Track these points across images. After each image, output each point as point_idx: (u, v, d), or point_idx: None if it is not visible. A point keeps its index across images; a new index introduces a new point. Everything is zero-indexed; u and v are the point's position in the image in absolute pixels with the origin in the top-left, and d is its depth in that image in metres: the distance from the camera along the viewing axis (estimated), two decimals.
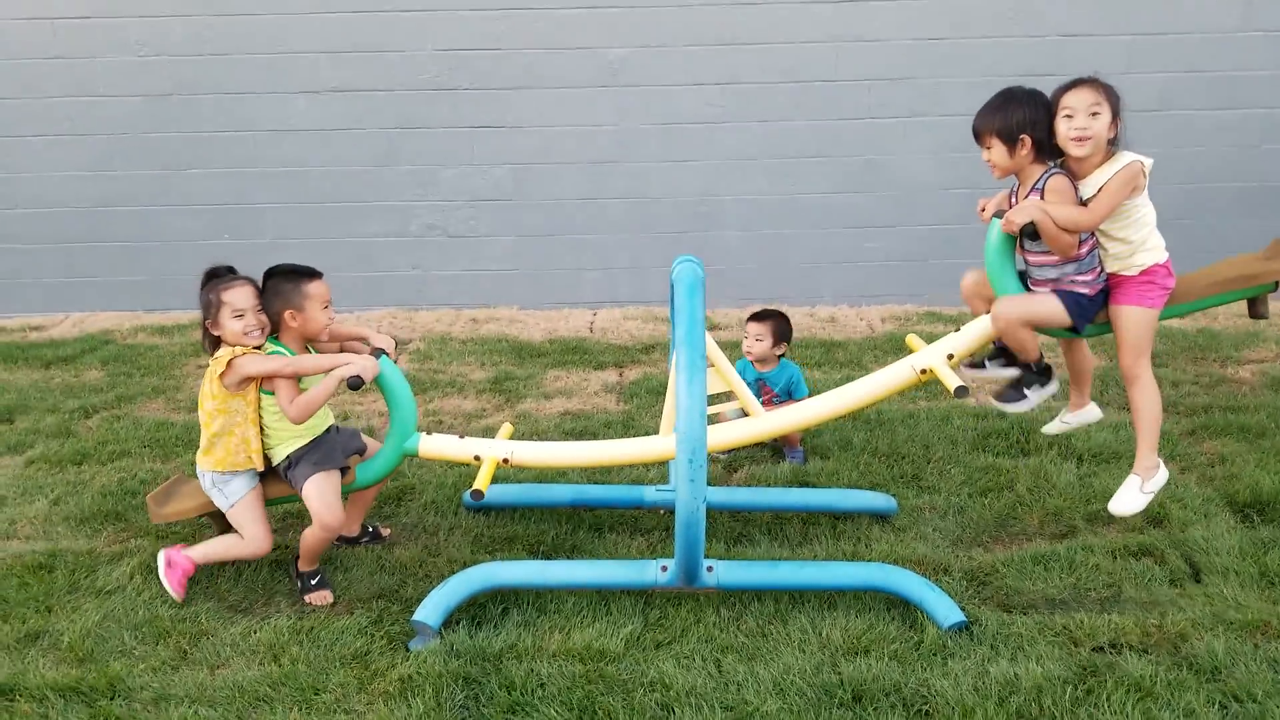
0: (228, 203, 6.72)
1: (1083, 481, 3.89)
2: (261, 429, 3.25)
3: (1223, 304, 3.36)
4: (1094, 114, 3.04)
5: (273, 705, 2.64)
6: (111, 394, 5.24)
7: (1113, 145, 3.12)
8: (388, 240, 6.87)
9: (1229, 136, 6.68)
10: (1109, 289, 3.22)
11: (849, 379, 5.20)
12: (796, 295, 6.87)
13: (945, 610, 2.95)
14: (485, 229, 6.86)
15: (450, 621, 3.01)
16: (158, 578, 3.18)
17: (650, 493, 3.72)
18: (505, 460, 3.33)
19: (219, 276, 3.23)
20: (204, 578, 3.29)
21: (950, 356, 3.25)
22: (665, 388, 3.97)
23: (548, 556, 3.48)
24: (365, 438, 3.51)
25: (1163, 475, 3.24)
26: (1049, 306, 3.18)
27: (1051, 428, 3.67)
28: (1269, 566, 3.21)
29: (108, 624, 3.01)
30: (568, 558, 3.47)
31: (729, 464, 4.28)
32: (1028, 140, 3.11)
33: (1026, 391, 3.29)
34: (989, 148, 3.18)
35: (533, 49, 6.56)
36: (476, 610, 3.10)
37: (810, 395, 4.40)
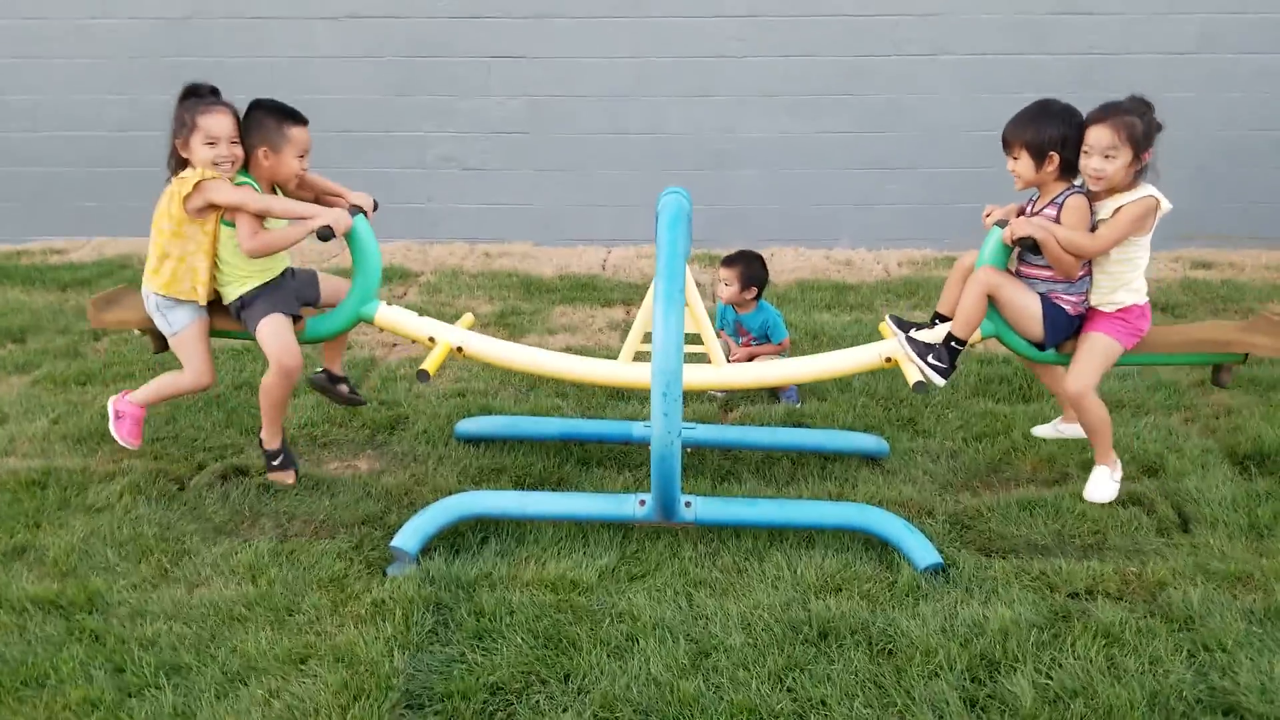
0: None
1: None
2: (216, 263, 3.16)
3: (1189, 364, 3.37)
4: (1108, 157, 3.00)
5: (246, 624, 2.69)
6: None
7: (1139, 175, 3.06)
8: (403, 171, 6.84)
9: (1271, 82, 6.43)
10: (1084, 318, 3.20)
11: (857, 322, 5.19)
12: (814, 237, 6.77)
13: (922, 552, 2.93)
14: (501, 162, 6.81)
15: (429, 549, 3.04)
16: (112, 437, 3.26)
17: (638, 428, 3.71)
18: (459, 349, 3.30)
19: (199, 96, 3.10)
20: (191, 498, 3.35)
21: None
22: None
23: (534, 489, 3.50)
24: (327, 278, 3.46)
25: (1118, 466, 3.29)
26: (1027, 300, 3.15)
27: (1042, 430, 3.64)
28: (1259, 518, 3.15)
29: (93, 540, 3.07)
30: (553, 490, 3.48)
31: (724, 403, 4.25)
32: (1055, 158, 3.08)
33: (929, 359, 3.15)
34: (1016, 158, 3.14)
35: None
36: (456, 539, 3.12)
37: (791, 338, 4.40)
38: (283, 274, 3.29)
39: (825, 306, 5.53)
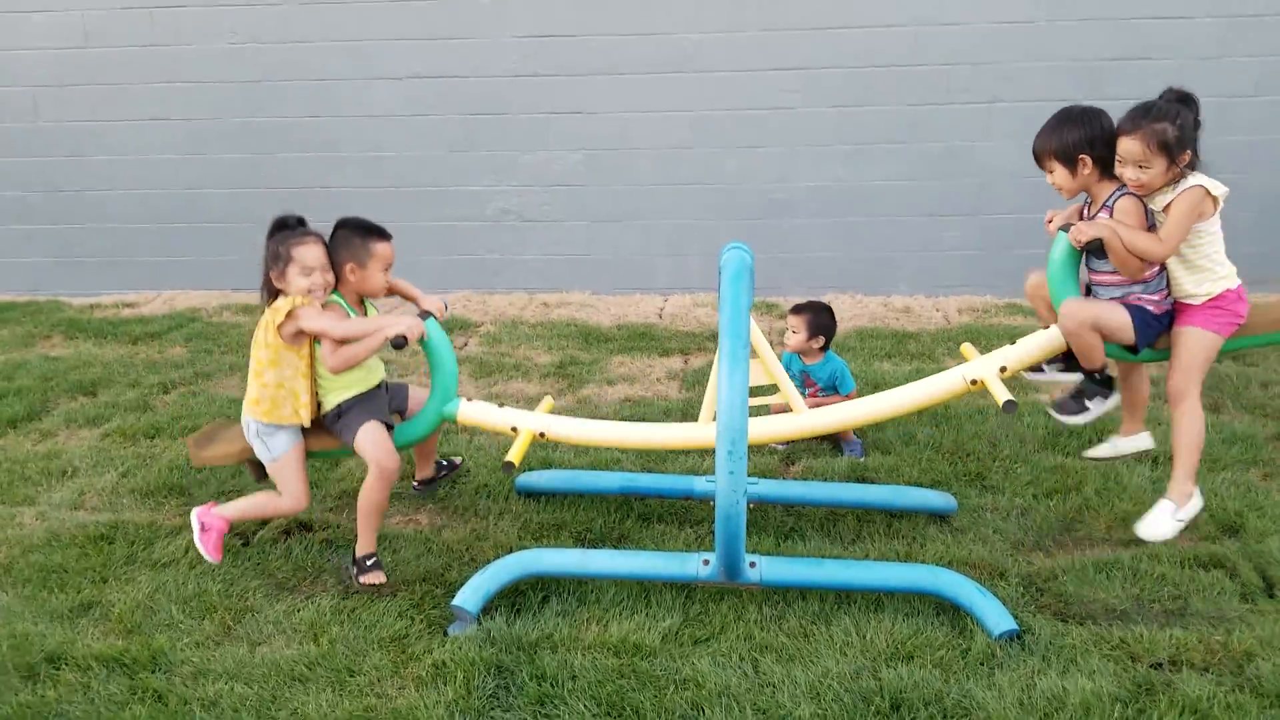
0: (312, 185, 6.85)
1: (1155, 485, 3.68)
2: (314, 378, 3.26)
3: None
4: (1141, 166, 2.94)
5: (307, 685, 2.68)
6: (191, 370, 5.41)
7: (1190, 168, 2.98)
8: (464, 224, 6.93)
9: None
10: (1174, 313, 3.08)
11: (918, 371, 5.10)
12: (871, 285, 6.70)
13: (996, 617, 2.83)
14: (560, 214, 6.87)
15: (490, 607, 3.01)
16: (193, 536, 3.24)
17: (700, 483, 3.67)
18: (541, 434, 3.32)
19: (289, 228, 3.21)
20: (255, 554, 3.36)
21: (1003, 369, 3.14)
22: None
23: (594, 545, 3.46)
24: (414, 389, 3.54)
25: (1198, 502, 3.11)
26: (1117, 316, 3.08)
27: (1098, 451, 3.52)
28: None
29: (158, 597, 3.10)
30: (614, 547, 3.44)
31: (786, 456, 4.19)
32: (1088, 160, 3.03)
33: (1088, 403, 3.14)
34: (1050, 171, 3.10)
35: (610, 34, 6.51)
36: (517, 597, 3.09)
37: (857, 390, 4.33)
38: (378, 385, 3.39)
39: (885, 355, 5.45)
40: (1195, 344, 3.03)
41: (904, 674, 2.64)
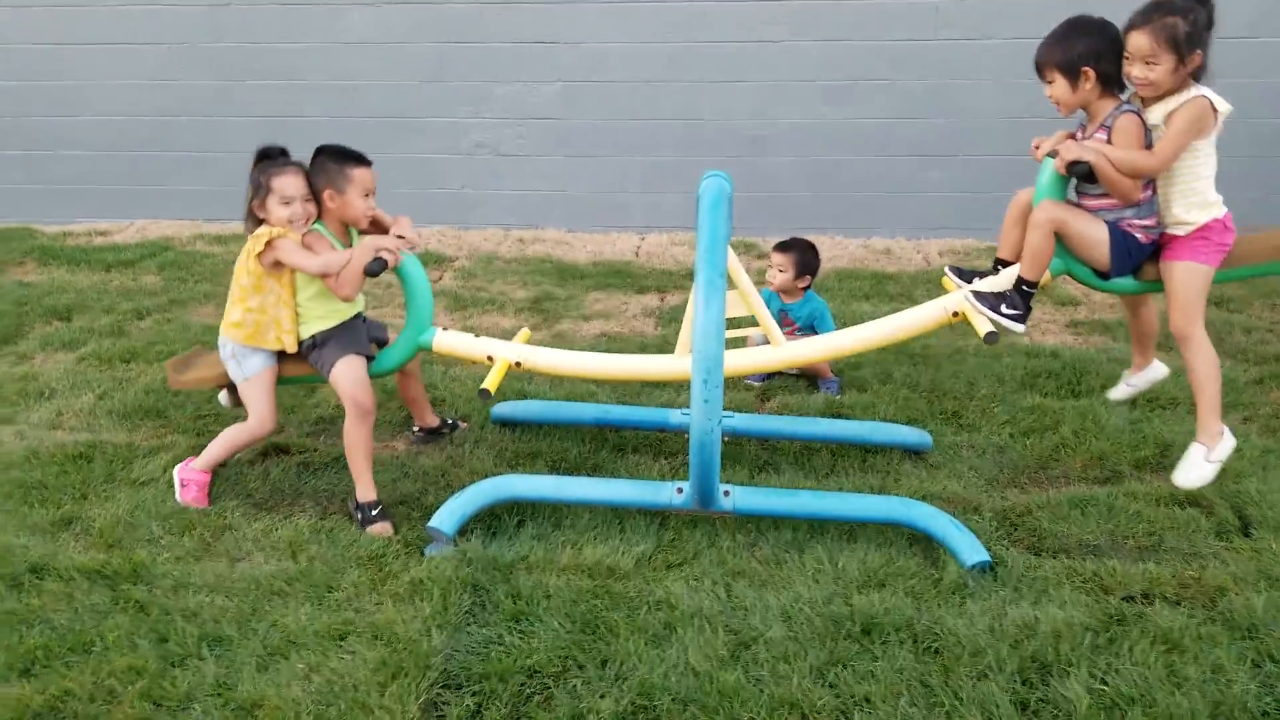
0: (285, 114, 6.73)
1: (1133, 427, 3.72)
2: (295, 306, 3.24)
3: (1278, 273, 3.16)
4: (1149, 64, 2.85)
5: (286, 599, 2.70)
6: (165, 298, 5.35)
7: (1193, 77, 2.89)
8: (438, 158, 6.83)
9: None
10: (1160, 245, 3.04)
11: (897, 311, 5.10)
12: (852, 225, 6.69)
13: (969, 549, 2.86)
14: (535, 148, 6.78)
15: (466, 530, 3.02)
16: (175, 492, 3.24)
17: (675, 415, 3.68)
18: (517, 364, 3.31)
19: (271, 158, 3.20)
20: (233, 474, 3.36)
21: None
22: None
23: (569, 474, 3.48)
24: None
25: (1229, 441, 3.03)
26: (1093, 230, 3.00)
27: (1117, 392, 3.47)
28: None
29: (138, 513, 3.10)
30: (589, 476, 3.45)
31: (762, 393, 4.21)
32: (1091, 74, 2.92)
33: (1003, 308, 3.02)
34: (1051, 81, 2.99)
35: None
36: (493, 521, 3.11)
37: (840, 329, 4.33)
38: (356, 317, 3.36)
39: (864, 296, 5.46)
40: (1188, 278, 2.97)
41: (875, 600, 2.68)
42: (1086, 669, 2.41)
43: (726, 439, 3.66)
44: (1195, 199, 2.98)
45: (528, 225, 6.88)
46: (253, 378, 3.22)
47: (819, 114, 6.55)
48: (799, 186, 6.67)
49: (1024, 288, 3.08)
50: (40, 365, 4.38)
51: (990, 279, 3.16)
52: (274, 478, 3.36)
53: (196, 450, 3.47)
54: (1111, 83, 2.95)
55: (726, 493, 2.98)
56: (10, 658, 2.46)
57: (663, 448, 3.69)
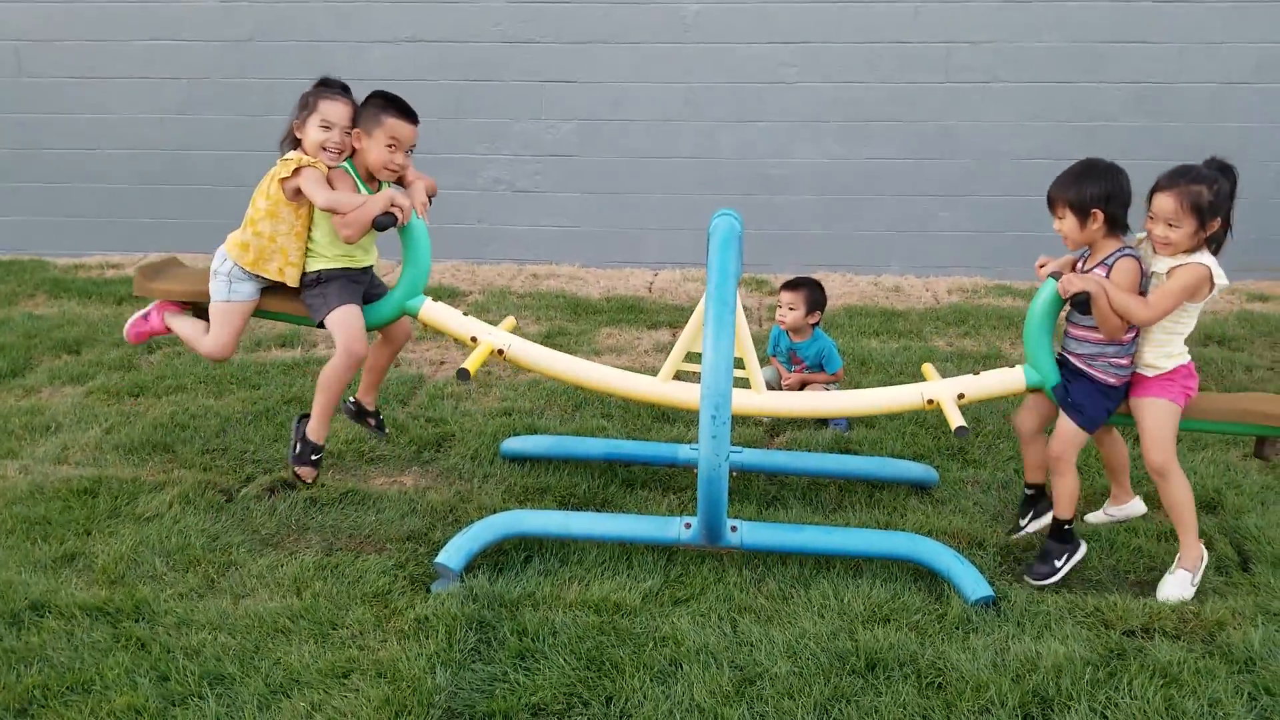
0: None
1: (1136, 464, 3.70)
2: (307, 240, 3.25)
3: (1234, 433, 3.23)
4: (1171, 225, 2.94)
5: (290, 637, 2.69)
6: None
7: (1212, 241, 2.99)
8: (455, 193, 6.89)
9: None
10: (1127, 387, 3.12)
11: (905, 349, 5.13)
12: (863, 263, 6.72)
13: (973, 584, 2.86)
14: (551, 185, 6.85)
15: (473, 567, 3.02)
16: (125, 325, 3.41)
17: (684, 451, 3.69)
18: (500, 351, 3.30)
19: (329, 86, 3.20)
20: (239, 510, 3.37)
21: (961, 395, 3.20)
22: None
23: (578, 509, 3.48)
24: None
25: (1205, 557, 3.07)
26: (1072, 430, 3.10)
27: (1095, 517, 3.51)
28: None
29: (141, 549, 3.10)
30: (597, 511, 3.46)
31: (771, 427, 4.22)
32: (1099, 215, 3.02)
33: (1056, 562, 3.08)
34: (1061, 217, 3.09)
35: (607, 2, 6.48)
36: (500, 557, 3.11)
37: (845, 367, 4.34)
38: (364, 269, 3.35)
39: (873, 333, 5.48)
40: (1160, 414, 3.03)
41: (880, 636, 2.67)
42: (1087, 703, 2.40)
43: (735, 474, 3.67)
44: (1169, 349, 3.06)
45: (542, 260, 6.93)
46: (232, 304, 3.21)
47: (832, 153, 6.60)
48: (812, 224, 6.71)
49: (1064, 527, 3.12)
50: (47, 399, 4.41)
51: (1031, 525, 3.31)
52: (280, 513, 3.37)
53: (199, 485, 3.50)
54: (1117, 225, 3.05)
55: (734, 528, 2.99)
56: (7, 697, 2.43)
57: (671, 483, 3.70)
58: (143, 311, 3.25)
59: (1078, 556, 3.07)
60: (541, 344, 5.18)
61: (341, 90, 3.20)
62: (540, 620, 2.75)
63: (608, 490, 3.61)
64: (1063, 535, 3.09)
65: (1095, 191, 3.01)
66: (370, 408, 3.72)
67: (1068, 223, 3.07)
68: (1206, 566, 3.01)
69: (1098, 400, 3.08)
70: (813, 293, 4.29)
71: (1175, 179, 2.96)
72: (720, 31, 6.47)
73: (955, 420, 3.09)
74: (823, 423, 4.25)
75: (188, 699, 2.45)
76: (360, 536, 3.26)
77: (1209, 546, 3.15)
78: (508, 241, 6.96)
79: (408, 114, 3.21)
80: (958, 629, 2.73)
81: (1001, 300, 6.06)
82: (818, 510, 3.48)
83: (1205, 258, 2.96)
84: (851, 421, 4.22)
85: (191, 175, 6.99)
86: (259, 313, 3.36)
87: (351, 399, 3.73)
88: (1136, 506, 3.41)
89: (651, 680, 2.51)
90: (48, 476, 3.61)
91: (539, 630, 2.70)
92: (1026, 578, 3.06)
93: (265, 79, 6.79)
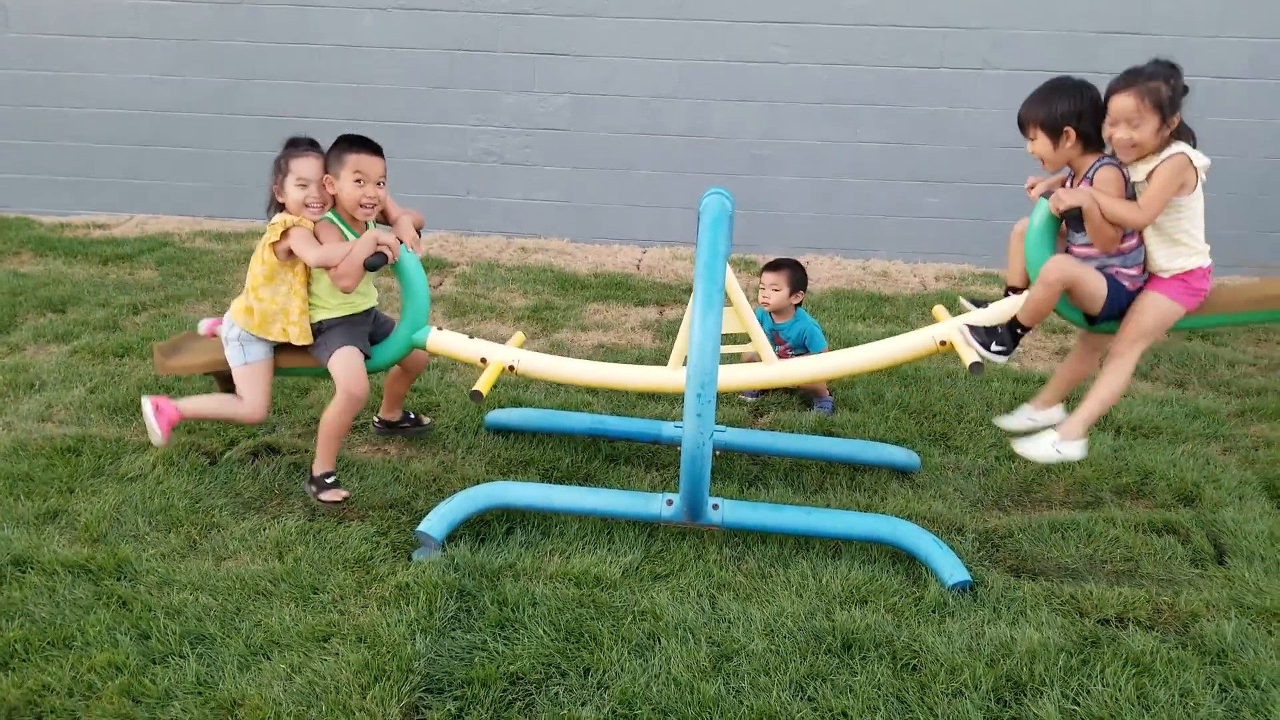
0: (290, 115, 6.76)
1: (1116, 454, 3.77)
2: (307, 296, 3.28)
3: (1254, 323, 3.23)
4: (1133, 124, 2.93)
5: (270, 599, 2.71)
6: (162, 293, 5.37)
7: (1174, 135, 2.97)
8: (444, 164, 6.88)
9: None
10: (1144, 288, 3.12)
11: (891, 334, 5.13)
12: (851, 246, 6.74)
13: (950, 568, 2.89)
14: (541, 158, 6.83)
15: (455, 536, 3.04)
16: (145, 423, 3.24)
17: (668, 428, 3.70)
18: (510, 368, 3.33)
19: (297, 145, 3.24)
20: (223, 474, 3.37)
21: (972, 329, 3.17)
22: None
23: (560, 483, 3.49)
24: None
25: (1080, 450, 3.10)
26: (1097, 285, 3.08)
27: (1010, 421, 3.47)
28: None
29: (124, 509, 3.10)
30: (579, 485, 3.47)
31: (755, 409, 4.23)
32: (1071, 133, 3.01)
33: (990, 343, 3.09)
34: (1033, 139, 3.08)
35: None
36: (482, 528, 3.12)
37: (829, 349, 4.36)
38: (366, 312, 3.39)
39: (860, 317, 5.50)
40: (1153, 308, 3.03)
41: (857, 616, 2.70)
42: (1059, 689, 2.43)
43: (718, 453, 3.69)
44: (1179, 249, 3.05)
45: (530, 234, 6.91)
46: (253, 364, 3.25)
47: (824, 135, 6.60)
48: (801, 206, 6.71)
49: (1017, 330, 3.14)
50: (32, 357, 4.39)
51: (991, 309, 3.20)
52: (264, 478, 3.37)
53: (183, 448, 3.49)
54: (1091, 142, 3.03)
55: (715, 506, 3.01)
56: None
57: (655, 460, 3.71)
58: (154, 408, 3.21)
59: (1000, 359, 3.08)
60: (528, 318, 5.24)
61: (309, 145, 3.25)
62: (520, 591, 2.77)
63: (590, 465, 3.63)
64: (1017, 336, 3.11)
65: (1065, 109, 2.99)
66: (397, 418, 3.76)
67: (1040, 144, 3.06)
68: (1179, 555, 3.05)
69: (1115, 296, 3.06)
70: (795, 273, 4.30)
71: (1130, 79, 2.93)
72: (714, 9, 6.44)
73: (969, 358, 3.09)
74: (808, 405, 4.27)
75: (168, 657, 2.46)
76: (343, 503, 3.26)
77: (1185, 540, 3.19)
78: (497, 214, 6.93)
79: (368, 146, 3.25)
80: (934, 612, 2.76)
81: (989, 287, 6.09)
82: (799, 490, 3.51)
83: (1177, 146, 2.94)
84: (835, 404, 4.25)
85: (178, 137, 6.93)
86: (278, 371, 3.36)
87: (377, 419, 3.78)
88: (1055, 414, 3.40)
89: (629, 653, 2.53)
90: (31, 434, 3.59)
91: (519, 600, 2.72)
92: (962, 328, 3.11)
93: (254, 42, 6.73)
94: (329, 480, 3.24)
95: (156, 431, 3.21)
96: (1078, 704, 2.39)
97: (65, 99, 6.90)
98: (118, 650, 2.45)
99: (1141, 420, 4.06)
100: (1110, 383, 3.08)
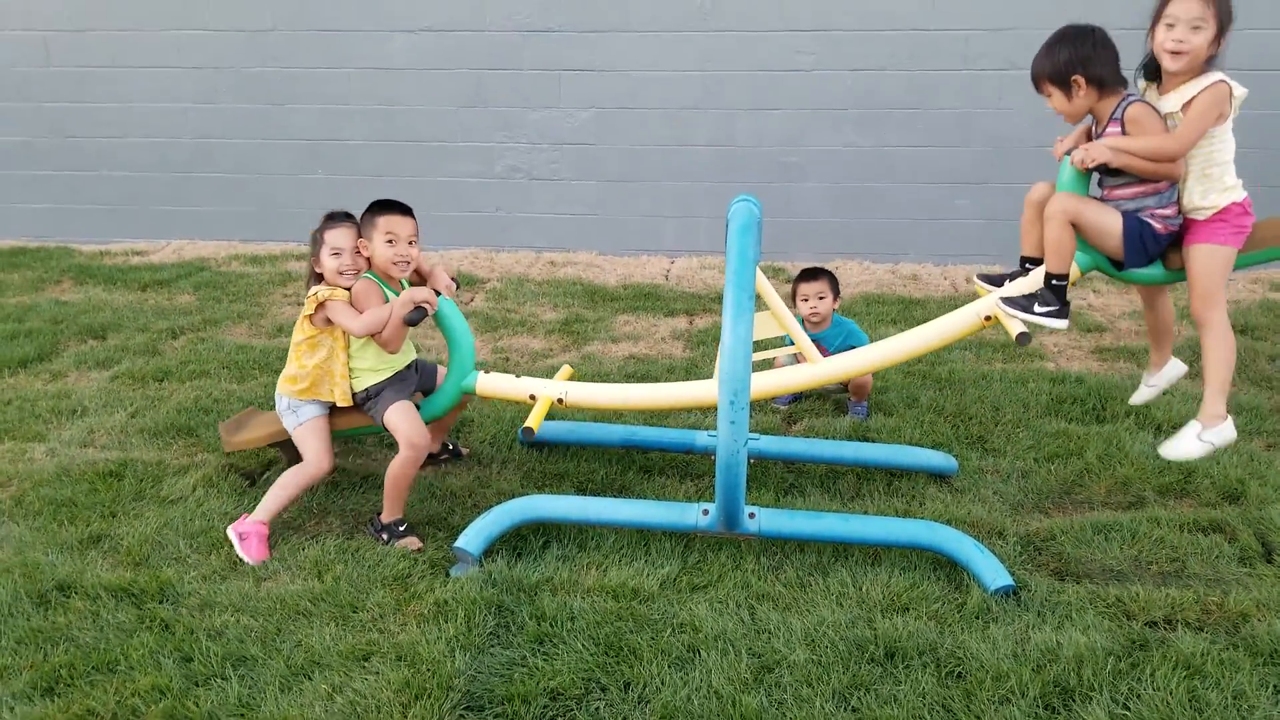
0: (322, 138, 6.85)
1: (1157, 452, 3.69)
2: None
3: None
4: (1196, 28, 2.84)
5: (311, 619, 2.72)
6: (199, 317, 5.44)
7: (1208, 64, 2.90)
8: (473, 181, 6.92)
9: None
10: (1182, 232, 3.03)
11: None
12: (880, 251, 6.69)
13: (993, 573, 2.85)
14: (568, 173, 6.85)
15: (492, 551, 3.04)
16: (235, 550, 3.08)
17: (702, 437, 3.69)
18: (560, 400, 3.36)
19: (331, 219, 3.33)
20: (261, 494, 3.38)
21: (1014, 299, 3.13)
22: None
23: (595, 495, 3.49)
24: (442, 369, 3.57)
25: (1228, 431, 3.00)
26: (1106, 219, 2.99)
27: (1138, 396, 3.43)
28: None
29: (165, 532, 3.14)
30: (614, 497, 3.47)
31: (789, 416, 4.21)
32: (1081, 80, 2.95)
33: (1036, 307, 3.01)
34: (1049, 95, 3.03)
35: None
36: (519, 542, 3.13)
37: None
38: (408, 366, 3.44)
39: (891, 321, 5.45)
40: (1209, 260, 2.94)
41: (899, 624, 2.67)
42: (1109, 694, 2.39)
43: (752, 461, 3.67)
44: (1212, 184, 2.96)
45: (559, 248, 6.94)
46: (308, 423, 3.29)
47: (850, 141, 6.57)
48: (829, 212, 6.69)
49: (1054, 282, 3.06)
50: (74, 383, 4.46)
51: (1019, 282, 3.16)
52: (301, 497, 3.40)
53: (223, 469, 3.53)
54: (1106, 84, 2.95)
55: (752, 515, 2.99)
56: (34, 676, 2.48)
57: (689, 469, 3.70)
58: (238, 539, 3.09)
59: (1056, 324, 3.00)
60: (559, 332, 5.26)
61: (344, 218, 3.33)
62: (558, 605, 2.76)
63: (625, 476, 3.62)
64: (1056, 289, 3.02)
65: (1067, 57, 2.95)
66: (437, 449, 3.75)
67: (1056, 99, 3.01)
68: (1226, 554, 2.99)
69: (1136, 237, 2.99)
70: (832, 280, 4.27)
71: None
72: (737, 19, 6.45)
73: (1015, 328, 3.04)
74: (841, 410, 4.24)
75: (211, 680, 2.48)
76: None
77: (1232, 538, 3.12)
78: (525, 229, 6.97)
79: (397, 208, 3.31)
80: (977, 618, 2.72)
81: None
82: (836, 498, 3.48)
83: (1215, 73, 2.87)
84: (869, 408, 4.21)
85: (214, 164, 7.03)
86: (336, 433, 3.37)
87: None
88: (1175, 367, 3.29)
89: (669, 666, 2.52)
90: (74, 459, 3.65)
91: (557, 615, 2.72)
92: (1000, 304, 3.04)
93: (287, 68, 6.82)
94: (401, 529, 3.19)
95: (253, 555, 3.06)
96: (1128, 709, 2.34)
97: (104, 129, 7.04)
98: (161, 674, 2.48)
99: (1183, 418, 3.95)
100: (1215, 351, 2.98)
